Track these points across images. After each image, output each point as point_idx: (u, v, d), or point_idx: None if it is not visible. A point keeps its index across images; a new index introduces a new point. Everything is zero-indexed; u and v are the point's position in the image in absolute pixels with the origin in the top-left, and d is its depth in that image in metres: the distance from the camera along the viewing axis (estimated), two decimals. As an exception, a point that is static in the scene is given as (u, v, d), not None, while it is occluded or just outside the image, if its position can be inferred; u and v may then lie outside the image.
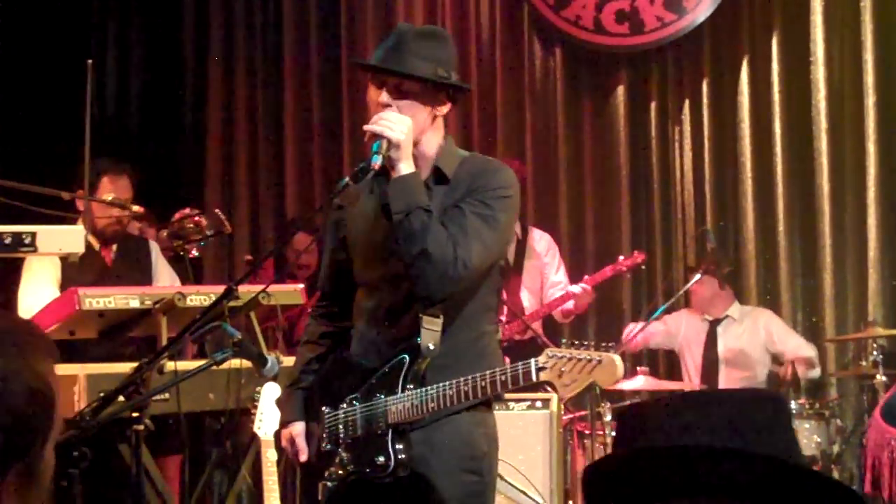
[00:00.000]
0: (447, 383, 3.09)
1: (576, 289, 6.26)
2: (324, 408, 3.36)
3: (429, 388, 3.10)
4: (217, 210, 6.02)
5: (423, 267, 3.05)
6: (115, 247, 5.31)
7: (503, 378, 3.02)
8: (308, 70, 8.02)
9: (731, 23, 7.28)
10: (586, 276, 6.41)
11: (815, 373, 6.56)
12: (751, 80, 7.19)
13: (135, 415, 3.11)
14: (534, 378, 2.99)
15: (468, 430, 3.22)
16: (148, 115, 8.22)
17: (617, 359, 2.96)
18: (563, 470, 5.56)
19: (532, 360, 2.99)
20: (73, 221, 4.94)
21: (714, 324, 6.78)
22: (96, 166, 4.97)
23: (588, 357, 2.93)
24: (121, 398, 2.99)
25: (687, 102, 7.35)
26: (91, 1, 8.18)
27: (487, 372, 3.05)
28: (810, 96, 7.00)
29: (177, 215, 5.68)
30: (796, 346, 6.56)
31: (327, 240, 3.51)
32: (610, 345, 3.00)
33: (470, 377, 3.07)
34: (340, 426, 3.29)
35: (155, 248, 5.48)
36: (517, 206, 3.34)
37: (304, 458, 3.39)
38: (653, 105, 7.40)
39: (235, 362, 3.13)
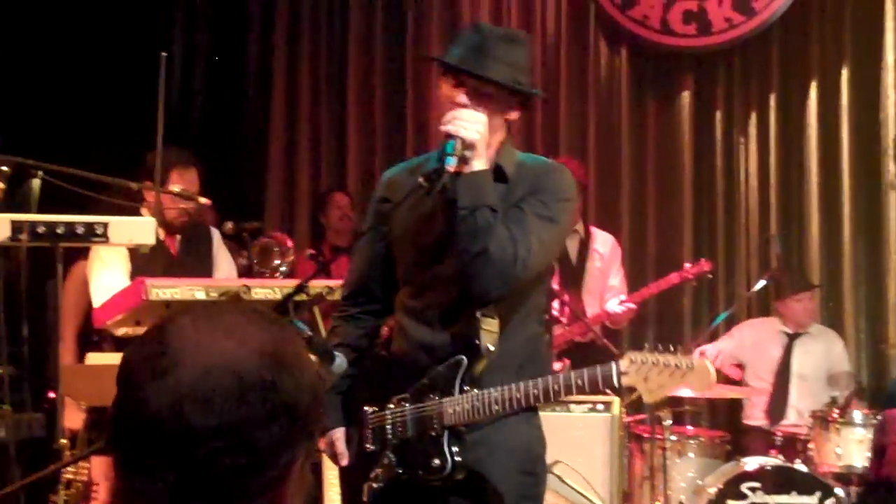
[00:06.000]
0: (512, 385, 3.03)
1: (618, 309, 6.15)
2: (367, 408, 3.30)
3: (492, 389, 3.04)
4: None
5: (481, 266, 3.00)
6: (178, 236, 5.32)
7: (579, 382, 2.96)
8: (372, 71, 7.97)
9: (800, 26, 7.18)
10: (650, 283, 6.31)
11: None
12: (819, 84, 7.09)
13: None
14: (615, 383, 2.95)
15: (526, 432, 3.21)
16: (211, 108, 8.25)
17: (709, 364, 2.93)
18: (622, 473, 5.52)
19: (612, 366, 2.94)
20: (137, 211, 4.95)
21: (793, 337, 6.62)
22: (164, 159, 4.96)
23: (677, 363, 2.88)
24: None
25: (754, 106, 7.26)
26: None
27: (561, 375, 2.99)
28: (879, 101, 6.90)
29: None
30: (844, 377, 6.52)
31: (367, 235, 3.42)
32: (701, 349, 2.96)
33: (540, 380, 3.02)
34: (388, 427, 3.24)
35: (216, 235, 5.49)
36: (575, 209, 3.33)
37: (344, 462, 3.33)
38: (718, 108, 7.32)
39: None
